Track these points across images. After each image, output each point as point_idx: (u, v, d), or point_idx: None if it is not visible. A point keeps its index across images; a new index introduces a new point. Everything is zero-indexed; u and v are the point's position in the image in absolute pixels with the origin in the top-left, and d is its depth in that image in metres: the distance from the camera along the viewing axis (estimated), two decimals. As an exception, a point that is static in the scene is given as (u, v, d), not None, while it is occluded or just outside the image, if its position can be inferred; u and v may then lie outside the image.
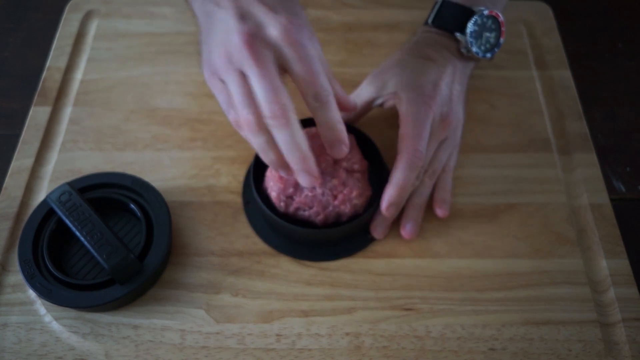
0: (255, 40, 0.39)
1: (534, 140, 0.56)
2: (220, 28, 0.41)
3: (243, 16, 0.40)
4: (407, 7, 0.67)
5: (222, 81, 0.41)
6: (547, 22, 0.66)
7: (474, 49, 0.53)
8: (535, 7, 0.68)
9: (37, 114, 0.58)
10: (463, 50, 0.54)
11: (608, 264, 0.49)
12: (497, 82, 0.61)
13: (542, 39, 0.65)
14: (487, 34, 0.54)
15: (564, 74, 0.61)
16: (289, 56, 0.40)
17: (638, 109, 0.62)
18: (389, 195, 0.47)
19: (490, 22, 0.54)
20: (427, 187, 0.50)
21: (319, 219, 0.47)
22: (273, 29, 0.40)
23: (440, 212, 0.50)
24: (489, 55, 0.54)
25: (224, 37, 0.40)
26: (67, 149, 0.55)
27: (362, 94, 0.53)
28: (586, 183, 0.53)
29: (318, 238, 0.49)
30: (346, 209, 0.47)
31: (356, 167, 0.48)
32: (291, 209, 0.47)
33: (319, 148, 0.47)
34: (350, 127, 0.52)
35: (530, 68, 0.62)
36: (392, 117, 0.52)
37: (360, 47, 0.64)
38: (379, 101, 0.53)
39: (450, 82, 0.52)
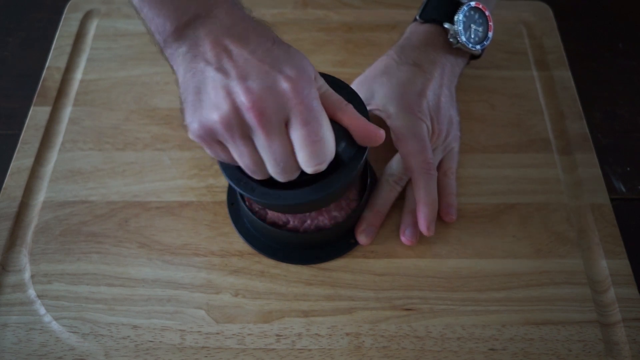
0: (261, 102, 0.36)
1: (534, 140, 0.56)
2: (213, 87, 0.37)
3: (244, 77, 0.36)
4: (407, 7, 0.67)
5: (220, 142, 0.39)
6: (547, 22, 0.66)
7: (463, 38, 0.52)
8: (535, 7, 0.68)
9: (37, 114, 0.58)
10: (452, 39, 0.53)
11: (608, 264, 0.49)
12: (497, 82, 0.61)
13: (542, 39, 0.65)
14: (475, 27, 0.53)
15: (564, 74, 0.61)
16: (295, 119, 0.37)
17: (638, 109, 0.62)
18: (425, 215, 0.48)
19: (477, 15, 0.53)
20: None
21: (298, 229, 0.47)
22: (278, 91, 0.36)
23: (447, 218, 0.50)
24: (478, 47, 0.53)
25: (221, 98, 0.37)
26: (67, 149, 0.55)
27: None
28: (586, 183, 0.53)
29: (295, 241, 0.49)
30: (325, 219, 0.47)
31: None
32: (267, 221, 0.48)
33: None
34: None
35: (530, 68, 0.62)
36: (374, 119, 0.52)
37: (360, 47, 0.64)
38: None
39: (437, 88, 0.52)
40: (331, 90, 0.41)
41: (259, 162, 0.39)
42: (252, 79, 0.36)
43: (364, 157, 0.42)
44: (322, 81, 0.40)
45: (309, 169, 0.39)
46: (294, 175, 0.40)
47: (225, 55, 0.37)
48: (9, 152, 0.55)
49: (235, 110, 0.36)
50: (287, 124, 0.37)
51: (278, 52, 0.38)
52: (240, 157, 0.39)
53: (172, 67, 0.41)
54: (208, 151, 0.41)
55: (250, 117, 0.36)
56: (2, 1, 0.72)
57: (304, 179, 0.41)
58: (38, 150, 0.55)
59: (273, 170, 0.39)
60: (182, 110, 0.40)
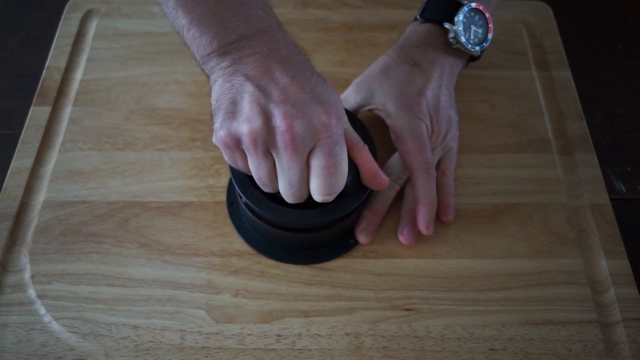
0: (296, 128, 0.38)
1: (534, 141, 0.56)
2: (249, 101, 0.39)
3: (284, 100, 0.38)
4: (407, 7, 0.67)
5: (242, 151, 0.41)
6: (547, 22, 0.66)
7: (463, 39, 0.52)
8: (535, 7, 0.68)
9: (37, 114, 0.57)
10: (451, 40, 0.53)
11: (608, 264, 0.49)
12: (497, 82, 0.61)
13: (542, 39, 0.65)
14: (475, 29, 0.53)
15: (564, 74, 0.61)
16: (321, 149, 0.39)
17: (638, 109, 0.62)
18: (424, 214, 0.48)
19: (477, 17, 0.53)
20: None
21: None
22: (313, 122, 0.38)
23: (445, 218, 0.50)
24: (477, 48, 0.53)
25: (255, 113, 0.38)
26: (67, 149, 0.55)
27: (348, 101, 0.53)
28: (586, 183, 0.53)
29: (295, 241, 0.49)
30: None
31: None
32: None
33: None
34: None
35: (530, 68, 0.62)
36: (373, 118, 0.53)
37: (360, 47, 0.64)
38: (365, 109, 0.53)
39: (437, 88, 0.52)
40: (351, 128, 0.43)
41: (274, 177, 0.41)
42: (292, 104, 0.38)
43: (366, 195, 0.45)
44: (345, 117, 0.42)
45: (318, 198, 0.41)
46: (301, 200, 0.42)
47: (268, 75, 0.39)
48: (9, 152, 0.55)
49: (267, 128, 0.38)
50: (309, 152, 0.39)
51: (316, 83, 0.40)
52: (257, 169, 0.41)
53: (208, 77, 0.42)
54: (226, 157, 0.42)
55: (281, 140, 0.38)
56: (2, 1, 0.72)
57: (307, 202, 0.43)
58: (38, 150, 0.55)
59: (284, 190, 0.41)
60: (212, 115, 0.41)
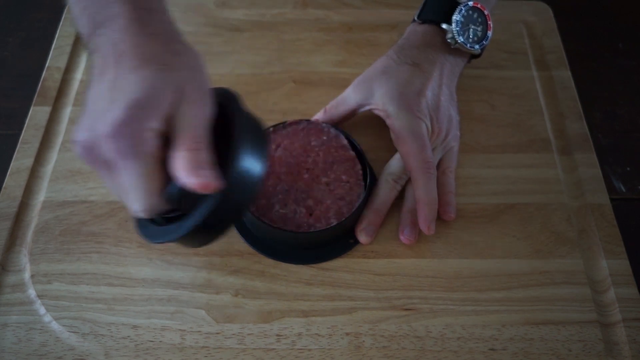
0: (83, 143, 0.36)
1: (534, 141, 0.56)
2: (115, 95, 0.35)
3: (86, 114, 0.37)
4: (407, 7, 0.67)
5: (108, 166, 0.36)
6: (547, 22, 0.66)
7: (461, 39, 0.52)
8: (535, 7, 0.68)
9: (37, 114, 0.57)
10: (449, 40, 0.53)
11: (608, 264, 0.49)
12: (497, 82, 0.61)
13: (542, 39, 0.65)
14: (474, 27, 0.53)
15: (564, 74, 0.61)
16: (114, 165, 0.35)
17: (638, 109, 0.62)
18: (425, 214, 0.48)
19: (475, 14, 0.53)
20: None
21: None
22: (97, 134, 0.35)
23: (446, 216, 0.50)
24: (477, 47, 0.53)
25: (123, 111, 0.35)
26: (67, 149, 0.55)
27: (348, 100, 0.53)
28: (586, 183, 0.53)
29: (295, 241, 0.49)
30: (322, 226, 0.47)
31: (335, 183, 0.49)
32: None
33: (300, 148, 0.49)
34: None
35: (530, 68, 0.62)
36: (374, 118, 0.53)
37: (360, 47, 0.64)
38: (364, 109, 0.53)
39: (437, 87, 0.52)
40: (189, 124, 0.36)
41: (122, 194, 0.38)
42: (92, 115, 0.36)
43: (223, 194, 0.36)
44: (194, 111, 0.36)
45: (137, 214, 0.38)
46: (153, 213, 0.38)
47: (103, 80, 0.37)
48: (9, 152, 0.55)
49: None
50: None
51: (131, 79, 0.35)
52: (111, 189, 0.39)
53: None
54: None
55: (82, 159, 0.37)
56: (2, 1, 0.72)
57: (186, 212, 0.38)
58: (38, 150, 0.55)
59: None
60: None
